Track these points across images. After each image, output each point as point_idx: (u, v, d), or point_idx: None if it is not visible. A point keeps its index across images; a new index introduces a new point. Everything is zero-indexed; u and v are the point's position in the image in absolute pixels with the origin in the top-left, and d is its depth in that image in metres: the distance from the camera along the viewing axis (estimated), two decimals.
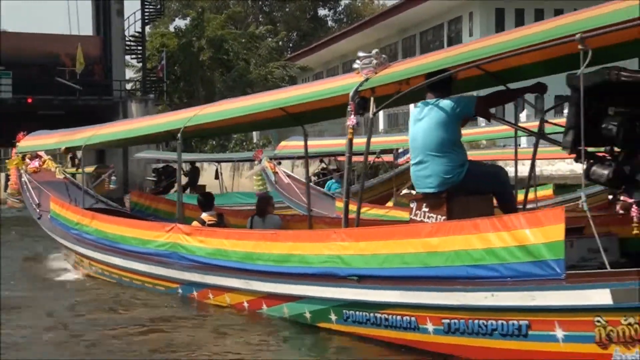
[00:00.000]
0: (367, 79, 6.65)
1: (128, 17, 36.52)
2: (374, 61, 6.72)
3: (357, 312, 6.23)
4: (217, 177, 24.24)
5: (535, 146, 7.12)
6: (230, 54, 42.82)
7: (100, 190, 19.61)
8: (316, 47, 49.32)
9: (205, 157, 27.21)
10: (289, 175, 16.28)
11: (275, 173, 16.33)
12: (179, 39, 41.62)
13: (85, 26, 40.73)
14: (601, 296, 4.69)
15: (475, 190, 6.31)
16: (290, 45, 57.49)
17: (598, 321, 4.75)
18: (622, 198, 5.49)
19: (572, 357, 4.90)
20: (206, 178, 25.31)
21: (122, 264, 9.48)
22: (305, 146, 10.01)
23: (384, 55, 6.84)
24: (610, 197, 5.55)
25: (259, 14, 55.92)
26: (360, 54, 6.89)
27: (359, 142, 7.51)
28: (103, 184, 20.67)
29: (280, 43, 51.66)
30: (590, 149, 5.45)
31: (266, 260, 7.16)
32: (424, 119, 6.39)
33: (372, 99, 6.56)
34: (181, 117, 9.44)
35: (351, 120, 6.54)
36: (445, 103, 6.27)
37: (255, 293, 7.33)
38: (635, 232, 5.58)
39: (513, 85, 7.04)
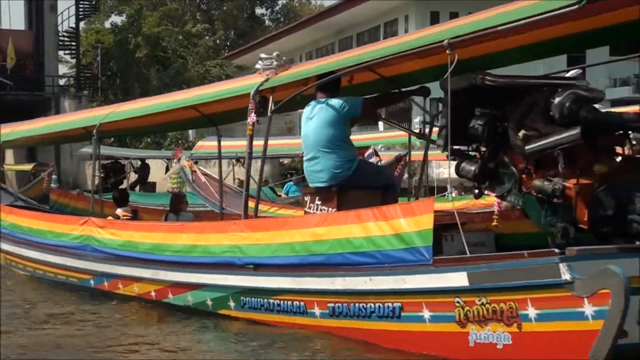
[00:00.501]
0: (267, 79, 6.97)
1: (62, 13, 36.05)
2: (275, 63, 7.04)
3: (253, 299, 6.57)
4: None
5: (426, 149, 7.52)
6: (168, 51, 42.55)
7: (39, 190, 19.40)
8: (253, 46, 49.33)
9: (129, 153, 26.73)
10: (205, 174, 16.44)
11: (194, 172, 16.49)
12: (115, 35, 41.18)
13: (17, 21, 40.02)
14: (459, 279, 5.05)
15: (364, 185, 6.64)
16: (228, 43, 57.38)
17: (458, 302, 5.10)
18: (486, 192, 5.85)
19: (436, 336, 5.24)
20: (157, 175, 25.09)
21: (36, 256, 9.65)
22: (219, 147, 10.19)
23: (284, 58, 7.15)
24: (477, 191, 5.86)
25: (197, 11, 55.68)
26: (263, 55, 7.21)
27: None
28: (42, 182, 20.37)
29: (217, 42, 51.51)
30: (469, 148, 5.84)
31: (173, 251, 7.43)
32: (314, 118, 6.72)
33: (271, 98, 6.88)
34: (97, 114, 9.67)
35: (251, 118, 6.85)
36: (334, 102, 6.61)
37: (162, 282, 7.60)
38: (494, 223, 6.04)
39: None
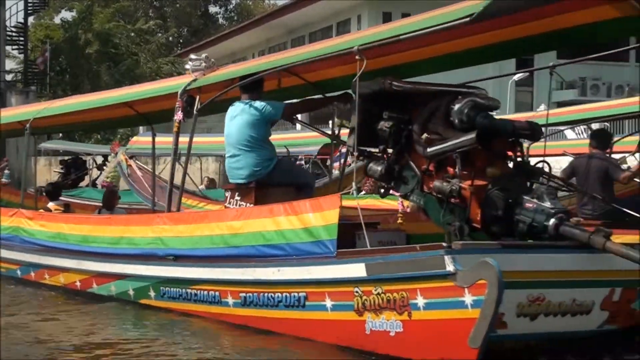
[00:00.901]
0: (195, 80, 7.33)
1: (10, 7, 35.49)
2: (203, 64, 7.41)
3: (172, 289, 6.87)
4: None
5: (346, 155, 7.95)
6: (120, 48, 42.17)
7: None
8: (206, 44, 49.07)
9: (82, 148, 26.28)
10: (141, 168, 16.39)
11: (129, 166, 16.56)
12: (65, 31, 40.68)
13: None
14: (358, 269, 5.34)
15: (281, 183, 7.01)
16: (181, 41, 57.03)
17: (356, 292, 5.37)
18: (391, 192, 6.15)
19: (337, 324, 5.53)
20: None
21: None
22: (153, 143, 10.36)
23: (212, 59, 7.52)
24: (382, 190, 6.14)
25: (149, 8, 55.23)
26: (192, 56, 7.57)
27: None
28: None
29: (170, 39, 51.16)
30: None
31: (100, 243, 7.72)
32: (237, 117, 7.05)
33: (198, 98, 7.23)
34: (31, 110, 9.90)
35: (178, 116, 7.21)
36: (256, 105, 6.95)
37: (87, 272, 7.88)
38: (399, 221, 6.53)
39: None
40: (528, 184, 5.68)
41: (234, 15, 59.94)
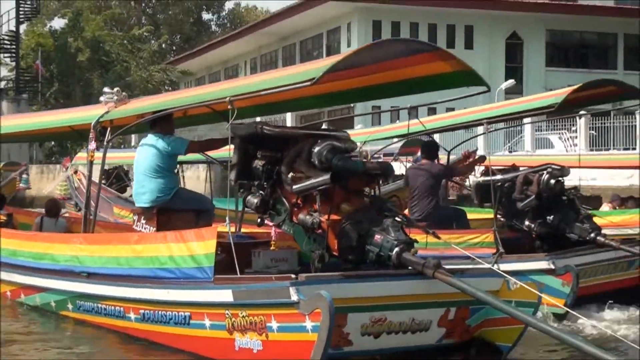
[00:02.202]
0: (107, 112, 8.00)
1: (2, 15, 35.32)
2: (115, 97, 8.04)
3: (86, 303, 7.61)
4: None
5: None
6: (111, 55, 41.90)
7: (11, 190, 18.86)
8: (198, 52, 49.09)
9: None
10: (94, 183, 16.46)
11: (79, 180, 17.04)
12: (56, 39, 40.41)
13: None
14: (228, 295, 6.08)
15: (182, 209, 7.72)
16: (174, 48, 56.82)
17: (227, 314, 6.10)
18: (266, 222, 6.85)
19: (213, 341, 6.29)
20: None
21: None
22: (104, 158, 10.36)
23: (124, 93, 8.23)
24: (259, 220, 6.84)
25: (142, 16, 55.00)
26: (106, 89, 8.27)
27: None
28: (14, 183, 19.82)
29: (163, 46, 50.93)
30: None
31: (27, 257, 8.48)
32: (145, 147, 7.79)
33: (109, 128, 7.95)
34: None
35: (92, 145, 7.91)
36: (164, 139, 7.67)
37: (15, 284, 8.65)
38: (272, 248, 7.28)
39: None
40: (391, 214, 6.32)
41: (226, 23, 59.78)
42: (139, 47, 44.10)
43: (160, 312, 6.73)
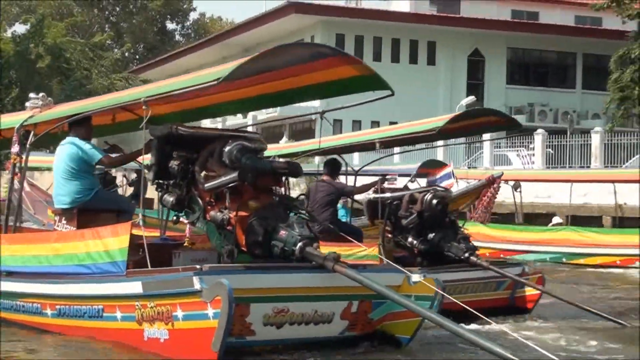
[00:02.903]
0: (32, 116, 8.19)
1: None
2: (40, 102, 8.26)
3: (6, 301, 7.77)
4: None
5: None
6: (72, 62, 41.26)
7: None
8: (161, 61, 48.73)
9: None
10: (32, 185, 16.31)
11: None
12: (16, 44, 39.72)
13: None
14: (137, 287, 6.37)
15: (102, 209, 7.87)
16: (137, 57, 56.29)
17: (137, 305, 6.39)
18: (181, 220, 7.22)
19: (124, 332, 6.57)
20: None
21: None
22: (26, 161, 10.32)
23: (50, 99, 8.50)
24: (175, 218, 7.16)
25: (105, 24, 54.40)
26: (31, 95, 8.55)
27: None
28: None
29: (126, 54, 50.39)
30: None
31: None
32: (61, 150, 7.93)
33: (32, 132, 8.08)
34: None
35: (14, 148, 8.07)
36: (80, 144, 7.83)
37: None
38: (185, 244, 7.55)
39: None
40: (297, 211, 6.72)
41: (191, 33, 59.42)
42: (101, 54, 43.54)
43: (75, 307, 6.98)
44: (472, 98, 34.78)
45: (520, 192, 19.05)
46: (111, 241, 6.74)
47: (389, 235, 9.41)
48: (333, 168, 10.24)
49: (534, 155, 26.94)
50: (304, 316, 6.25)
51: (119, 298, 6.54)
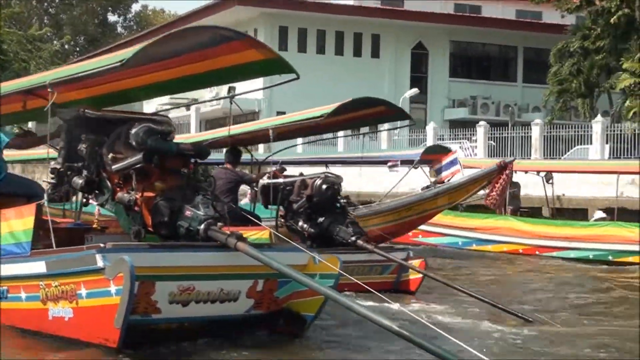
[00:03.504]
0: None
1: None
2: None
3: None
4: None
5: None
6: (9, 54, 40.31)
7: None
8: (102, 53, 47.52)
9: None
10: None
11: None
12: None
13: None
14: (41, 266, 6.45)
15: (12, 193, 7.85)
16: (77, 49, 55.24)
17: (41, 285, 6.47)
18: (90, 201, 7.36)
19: (29, 312, 6.63)
20: None
21: None
22: None
23: None
24: (84, 200, 7.36)
25: (44, 15, 53.25)
26: None
27: None
28: None
29: (66, 46, 49.41)
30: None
31: None
32: None
33: None
34: None
35: None
36: None
37: None
38: (94, 226, 7.79)
39: None
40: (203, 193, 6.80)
41: (133, 25, 58.53)
42: (39, 46, 42.62)
43: None
44: (415, 90, 35.02)
45: (552, 183, 18.24)
46: (16, 223, 6.80)
47: (282, 220, 9.76)
48: (234, 156, 10.66)
49: (476, 147, 27.19)
50: (209, 294, 6.33)
51: (23, 278, 6.61)
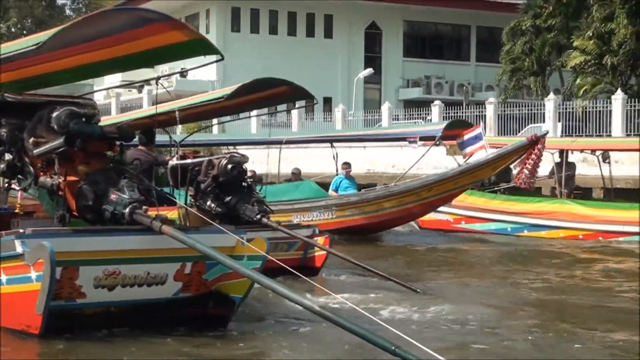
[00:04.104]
0: None
1: None
2: None
3: None
4: None
5: None
6: None
7: None
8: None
9: None
10: None
11: None
12: None
13: None
14: None
15: None
16: (24, 32, 54.00)
17: None
18: (13, 186, 7.30)
19: None
20: None
21: None
22: None
23: None
24: (7, 185, 7.33)
25: None
26: None
27: None
28: None
29: (12, 29, 48.29)
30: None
31: None
32: None
33: None
34: None
35: None
36: None
37: None
38: (16, 211, 7.73)
39: None
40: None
41: (82, 7, 57.39)
42: None
43: None
44: (370, 70, 34.95)
45: (609, 163, 16.90)
46: None
47: (192, 200, 9.95)
48: (147, 137, 10.83)
49: None
50: (136, 278, 6.35)
51: None
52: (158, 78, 8.26)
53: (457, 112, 27.18)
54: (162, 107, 10.74)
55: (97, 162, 6.75)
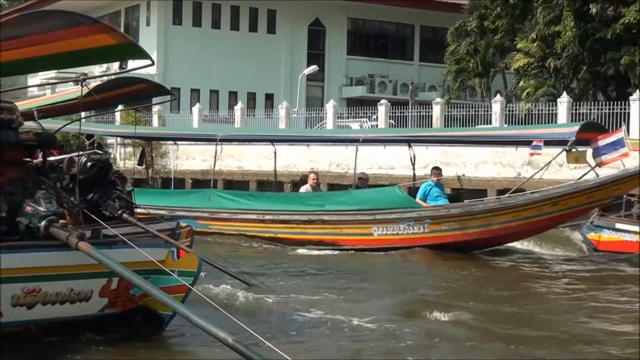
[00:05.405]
0: None
1: None
2: None
3: None
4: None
5: None
6: None
7: None
8: None
9: None
10: None
11: None
12: None
13: None
14: None
15: None
16: None
17: None
18: None
19: None
20: None
21: None
22: None
23: None
24: None
25: None
26: None
27: None
28: None
29: None
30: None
31: None
32: None
33: None
34: None
35: None
36: None
37: None
38: None
39: None
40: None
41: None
42: None
43: None
44: (314, 67, 34.58)
45: None
46: None
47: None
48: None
49: (377, 126, 26.97)
50: (58, 295, 6.12)
51: None
52: (83, 79, 8.08)
53: (403, 112, 27.02)
54: (22, 105, 11.13)
55: (13, 171, 6.48)
